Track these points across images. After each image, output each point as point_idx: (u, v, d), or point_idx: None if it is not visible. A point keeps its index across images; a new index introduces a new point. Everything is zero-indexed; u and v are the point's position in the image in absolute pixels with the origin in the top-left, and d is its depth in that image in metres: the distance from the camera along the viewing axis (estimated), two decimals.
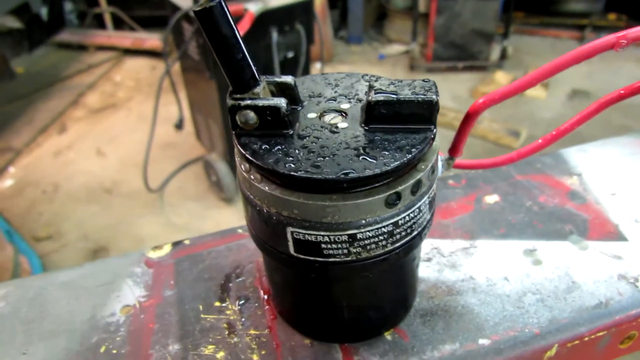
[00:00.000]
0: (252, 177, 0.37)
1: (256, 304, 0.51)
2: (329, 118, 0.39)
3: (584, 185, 0.65)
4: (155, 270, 0.55)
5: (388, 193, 0.35)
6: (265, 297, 0.51)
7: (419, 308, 0.49)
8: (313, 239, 0.36)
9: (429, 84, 0.37)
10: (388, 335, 0.47)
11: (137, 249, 0.59)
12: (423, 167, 0.36)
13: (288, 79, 0.39)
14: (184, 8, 2.06)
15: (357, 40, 4.67)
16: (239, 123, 0.37)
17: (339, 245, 0.36)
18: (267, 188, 0.36)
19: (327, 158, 0.34)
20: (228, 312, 0.50)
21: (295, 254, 0.37)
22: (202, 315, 0.50)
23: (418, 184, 0.36)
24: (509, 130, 3.19)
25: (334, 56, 4.44)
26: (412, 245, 0.39)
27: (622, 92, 0.42)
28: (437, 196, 0.62)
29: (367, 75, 0.44)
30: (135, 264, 0.56)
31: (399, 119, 0.36)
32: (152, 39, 4.48)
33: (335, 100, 0.41)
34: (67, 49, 4.71)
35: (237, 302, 0.51)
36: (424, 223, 0.39)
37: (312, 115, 0.39)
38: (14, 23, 4.24)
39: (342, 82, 0.43)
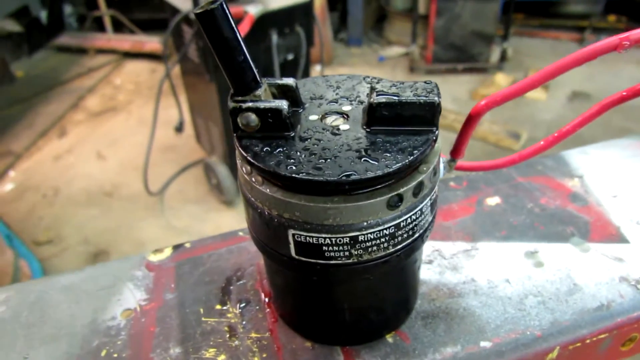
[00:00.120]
0: (253, 179, 0.37)
1: (257, 307, 0.51)
2: (330, 120, 0.39)
3: (586, 187, 0.64)
4: (156, 274, 0.55)
5: (390, 195, 0.34)
6: (266, 299, 0.51)
7: (420, 310, 0.49)
8: (314, 242, 0.36)
9: (430, 85, 0.37)
10: (389, 338, 0.46)
11: (137, 252, 0.59)
12: (425, 169, 0.36)
13: (289, 81, 0.39)
14: (183, 11, 2.06)
15: (356, 42, 4.67)
16: (240, 125, 0.37)
17: (341, 248, 0.36)
18: (268, 190, 0.36)
19: (328, 160, 0.34)
20: (229, 315, 0.50)
21: (296, 257, 0.37)
22: (203, 319, 0.49)
23: (420, 186, 0.36)
24: (510, 132, 3.19)
25: (334, 58, 4.44)
26: (414, 247, 0.39)
27: (624, 93, 0.42)
28: (438, 198, 0.62)
29: (368, 77, 0.44)
30: (136, 268, 0.56)
31: (401, 121, 0.36)
32: (152, 42, 4.47)
33: (336, 102, 0.41)
34: (67, 52, 4.71)
35: (238, 305, 0.51)
36: (426, 225, 0.39)
37: (313, 117, 0.39)
38: (13, 26, 4.24)
39: (344, 84, 0.43)
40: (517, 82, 0.36)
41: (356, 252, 0.36)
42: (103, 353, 0.46)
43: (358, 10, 4.52)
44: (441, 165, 0.42)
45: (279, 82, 0.39)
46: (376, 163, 0.34)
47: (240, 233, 0.60)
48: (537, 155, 0.47)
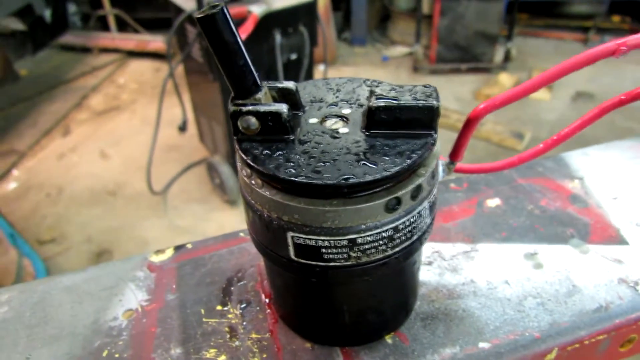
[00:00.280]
0: (253, 182, 0.37)
1: (258, 308, 0.51)
2: (330, 123, 0.39)
3: (586, 189, 0.65)
4: (158, 275, 0.55)
5: (388, 198, 0.35)
6: (267, 300, 0.51)
7: (419, 312, 0.49)
8: (313, 244, 0.36)
9: (429, 89, 0.37)
10: (389, 339, 0.47)
11: (140, 251, 0.59)
12: (423, 172, 0.37)
13: (289, 84, 0.39)
14: (187, 10, 2.06)
15: (360, 42, 4.67)
16: (240, 128, 0.37)
17: (339, 250, 0.36)
18: (268, 193, 0.36)
19: (327, 163, 0.34)
20: (230, 316, 0.50)
21: (295, 259, 0.38)
22: (204, 319, 0.50)
23: (418, 188, 0.36)
24: (513, 132, 3.19)
25: (337, 58, 4.44)
26: (412, 249, 0.39)
27: (622, 97, 0.42)
28: (438, 199, 0.62)
29: (368, 80, 0.44)
30: (138, 268, 0.56)
31: (400, 125, 0.37)
32: (156, 41, 4.48)
33: (336, 106, 0.41)
34: (71, 51, 4.72)
35: (238, 306, 0.51)
36: (424, 227, 0.40)
37: (313, 120, 0.39)
38: (17, 25, 4.25)
39: (344, 87, 0.44)
40: (516, 86, 0.36)
41: (355, 255, 0.36)
42: (104, 353, 0.47)
43: (361, 10, 4.52)
44: (440, 168, 0.42)
45: (279, 85, 0.39)
46: (375, 166, 0.34)
47: (241, 234, 0.60)
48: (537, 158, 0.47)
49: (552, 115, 3.42)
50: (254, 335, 0.48)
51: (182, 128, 2.54)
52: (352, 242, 0.36)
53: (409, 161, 0.34)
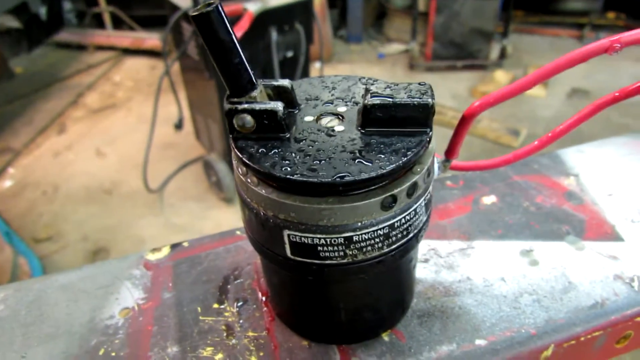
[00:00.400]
0: (249, 180, 0.37)
1: (254, 306, 0.51)
2: (325, 121, 0.39)
3: (581, 185, 0.65)
4: (154, 273, 0.55)
5: (384, 196, 0.35)
6: (263, 298, 0.52)
7: (416, 309, 0.49)
8: (309, 242, 0.36)
9: (424, 87, 0.37)
10: (385, 337, 0.47)
11: (137, 249, 0.59)
12: (419, 169, 0.37)
13: (285, 82, 0.39)
14: (183, 8, 2.06)
15: (356, 40, 4.67)
16: (236, 127, 0.37)
17: (335, 248, 0.36)
18: (263, 191, 0.36)
19: (323, 161, 0.34)
20: (226, 314, 0.50)
21: (292, 257, 0.38)
22: (200, 317, 0.50)
23: (414, 186, 0.36)
24: (509, 129, 3.19)
25: (334, 55, 4.44)
26: (408, 247, 0.39)
27: (616, 94, 0.42)
28: (434, 197, 0.62)
29: (364, 78, 0.44)
30: (134, 267, 0.56)
31: (395, 122, 0.37)
32: (152, 39, 4.47)
33: (332, 104, 0.41)
34: (66, 48, 4.71)
35: (235, 304, 0.51)
36: (420, 225, 0.40)
37: (308, 118, 0.39)
38: (12, 23, 4.23)
39: (339, 85, 0.44)
40: (511, 84, 0.36)
41: (351, 252, 0.36)
42: (101, 352, 0.47)
43: (357, 7, 4.52)
44: (435, 166, 0.42)
45: (275, 83, 0.39)
46: (370, 164, 0.34)
47: (238, 232, 0.60)
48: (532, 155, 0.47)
49: (548, 112, 3.43)
50: (250, 334, 0.48)
51: (178, 126, 2.54)
52: (348, 240, 0.36)
53: (404, 159, 0.34)
